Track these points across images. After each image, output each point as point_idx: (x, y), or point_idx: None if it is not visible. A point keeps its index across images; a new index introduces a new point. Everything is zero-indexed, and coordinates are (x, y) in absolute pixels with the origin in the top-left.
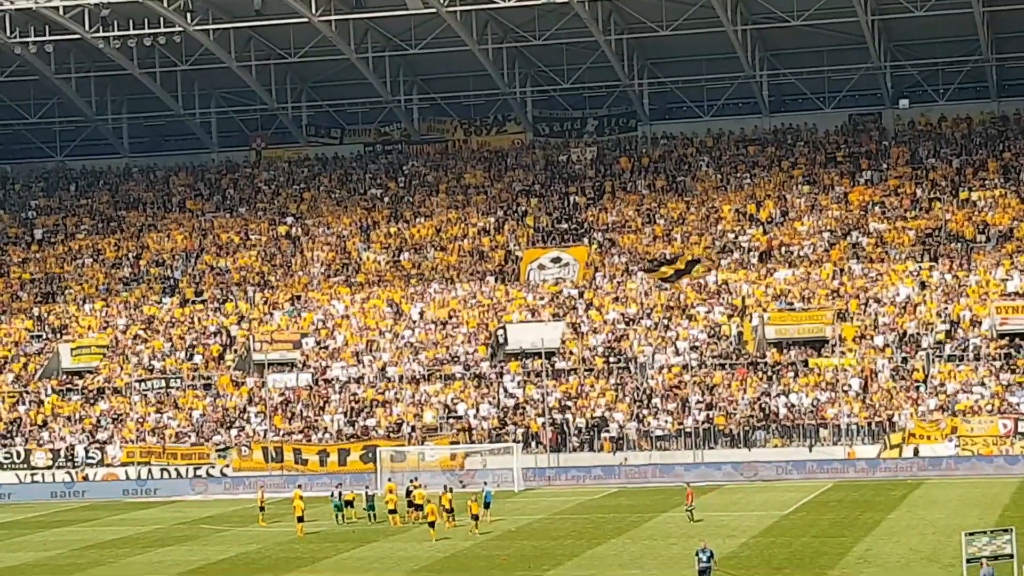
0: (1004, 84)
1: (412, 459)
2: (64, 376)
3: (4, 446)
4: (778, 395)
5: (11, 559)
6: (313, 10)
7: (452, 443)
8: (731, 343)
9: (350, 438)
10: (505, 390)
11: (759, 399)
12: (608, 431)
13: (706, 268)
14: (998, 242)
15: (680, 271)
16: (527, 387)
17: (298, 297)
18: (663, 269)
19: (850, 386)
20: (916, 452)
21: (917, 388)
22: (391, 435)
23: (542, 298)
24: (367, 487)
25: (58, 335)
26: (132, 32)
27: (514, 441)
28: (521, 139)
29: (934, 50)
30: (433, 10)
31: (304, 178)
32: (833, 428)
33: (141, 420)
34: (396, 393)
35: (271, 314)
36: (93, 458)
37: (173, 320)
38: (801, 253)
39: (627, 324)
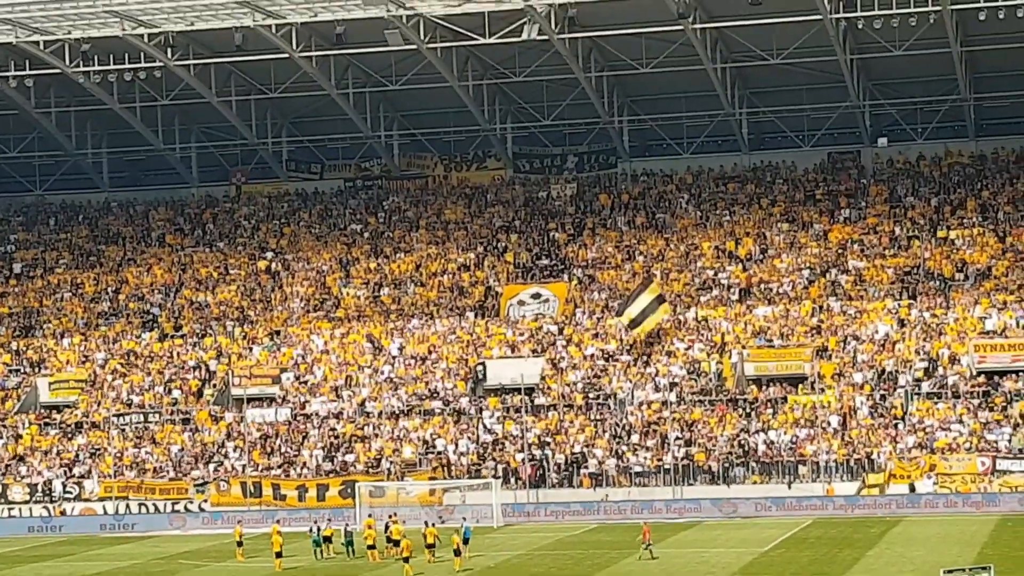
0: (982, 123)
1: (391, 494)
2: (42, 410)
3: None
4: (757, 432)
5: None
6: (294, 46)
7: (431, 479)
8: (710, 380)
9: (329, 473)
10: (484, 426)
11: (738, 436)
12: (587, 467)
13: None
14: (976, 280)
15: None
16: (506, 423)
17: (277, 332)
18: (628, 312)
19: (829, 423)
20: (912, 489)
21: (895, 425)
22: (370, 470)
23: (522, 334)
24: (346, 523)
25: (36, 369)
26: (113, 67)
27: (493, 477)
28: (501, 175)
29: (913, 89)
30: (414, 47)
31: (284, 213)
32: (812, 465)
33: (119, 455)
34: (375, 428)
35: (250, 349)
36: (71, 492)
37: (152, 355)
38: (780, 290)
39: (606, 360)
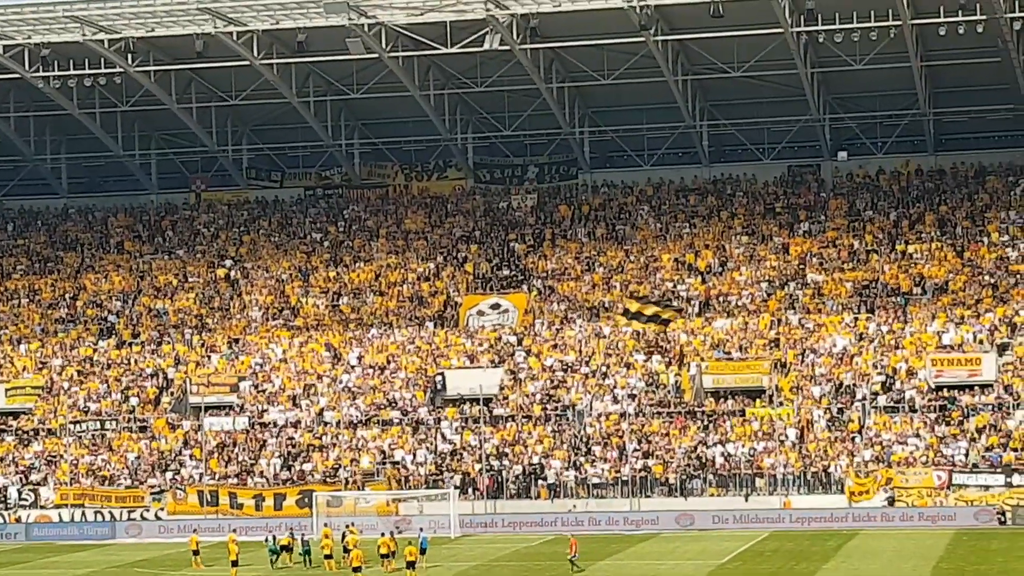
0: (941, 138)
1: (349, 504)
2: None
3: None
4: (715, 444)
5: None
6: (255, 53)
7: (389, 489)
8: (669, 392)
9: (286, 482)
10: (443, 436)
11: (696, 448)
12: (545, 478)
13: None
14: (934, 295)
15: (658, 316)
16: (465, 433)
17: (236, 340)
18: (645, 307)
19: (786, 436)
20: (891, 502)
21: (852, 439)
22: (328, 480)
23: (481, 344)
24: (302, 532)
25: None
26: (72, 72)
27: (452, 487)
28: (462, 185)
29: (873, 103)
30: (375, 55)
31: (244, 221)
32: (769, 478)
33: (75, 462)
34: (333, 438)
35: (208, 357)
36: (26, 500)
37: (109, 362)
38: (739, 303)
39: (565, 371)
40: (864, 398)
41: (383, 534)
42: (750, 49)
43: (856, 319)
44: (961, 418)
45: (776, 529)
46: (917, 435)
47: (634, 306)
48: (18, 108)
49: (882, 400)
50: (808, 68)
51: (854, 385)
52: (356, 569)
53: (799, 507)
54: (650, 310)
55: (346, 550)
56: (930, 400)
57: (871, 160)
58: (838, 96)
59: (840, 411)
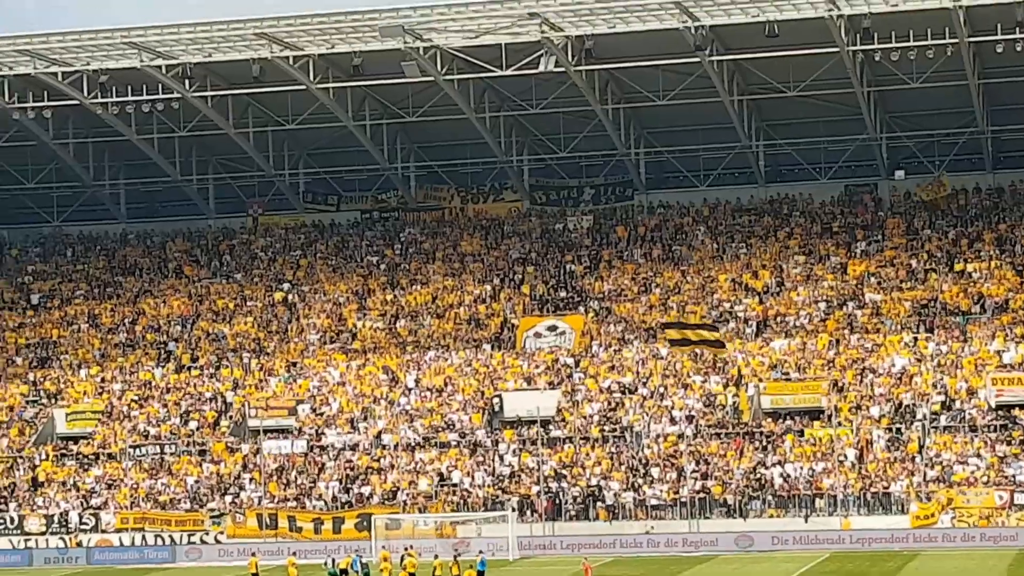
0: (999, 156)
1: (407, 527)
2: (59, 441)
3: None
4: (774, 465)
5: None
6: (311, 77)
7: (447, 511)
8: (727, 412)
9: (345, 505)
10: (500, 458)
11: (755, 468)
12: (603, 500)
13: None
14: (993, 313)
15: (697, 340)
16: (522, 455)
17: (294, 363)
18: (683, 331)
19: (846, 456)
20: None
21: (912, 459)
22: (386, 502)
23: (538, 366)
24: (360, 555)
25: (53, 400)
26: (131, 98)
27: (510, 509)
28: (518, 207)
29: (930, 121)
30: (431, 79)
31: (301, 245)
32: (829, 498)
33: (135, 486)
34: (391, 460)
35: (267, 380)
36: (87, 524)
37: (168, 386)
38: (797, 323)
39: (623, 393)
40: (924, 418)
41: (436, 556)
42: (806, 68)
43: (915, 338)
44: (1022, 437)
45: (836, 550)
46: (978, 455)
47: (675, 333)
48: (77, 134)
49: (942, 420)
50: (864, 87)
51: (914, 405)
52: None
53: (859, 528)
54: (696, 335)
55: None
56: (991, 419)
57: (929, 179)
58: (895, 114)
59: (899, 431)
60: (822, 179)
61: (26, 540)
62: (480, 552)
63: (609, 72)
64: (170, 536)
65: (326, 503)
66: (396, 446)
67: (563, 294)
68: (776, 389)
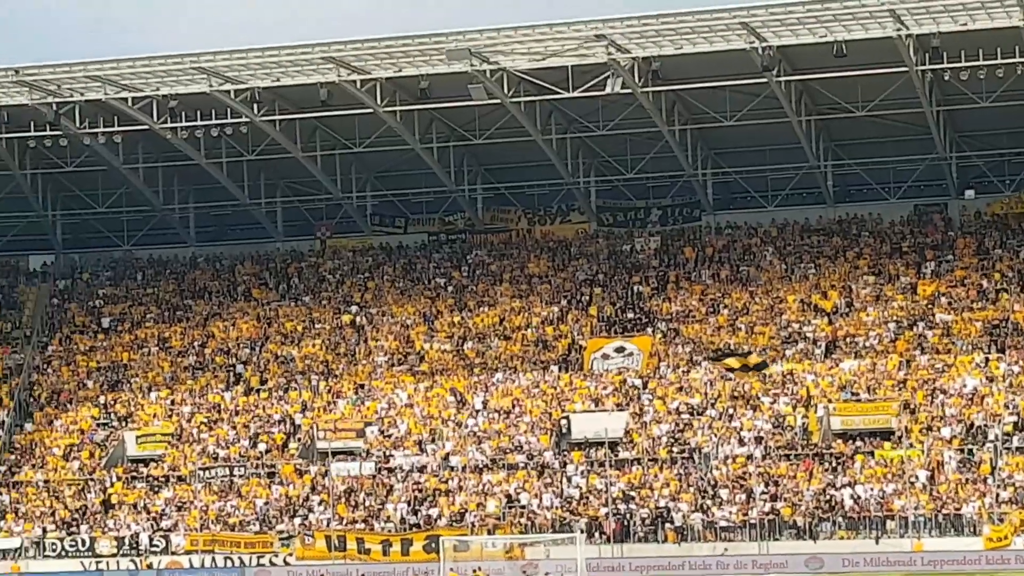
0: None
1: (475, 549)
2: (129, 464)
3: (69, 534)
4: (844, 486)
5: None
6: (378, 101)
7: (515, 533)
8: (796, 434)
9: (413, 527)
10: (568, 480)
11: (824, 490)
12: (672, 521)
13: (769, 367)
14: None
15: (747, 367)
16: (590, 477)
17: (362, 386)
18: (729, 361)
19: (917, 477)
20: None
21: (985, 480)
22: (454, 524)
23: (605, 388)
24: None
25: (124, 423)
26: (199, 123)
27: (578, 531)
28: (585, 229)
29: (1000, 140)
30: (497, 101)
31: (368, 267)
32: (900, 520)
33: (205, 508)
34: (459, 482)
35: (335, 402)
36: (157, 546)
37: (237, 408)
38: (866, 344)
39: (691, 414)
40: (996, 438)
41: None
42: (874, 88)
43: (987, 359)
44: None
45: (908, 572)
46: None
47: (728, 363)
48: (147, 159)
49: (1015, 440)
50: (934, 106)
51: (985, 426)
52: None
53: (931, 550)
54: (739, 363)
55: None
56: None
57: (999, 198)
58: (964, 134)
59: (971, 452)
60: (891, 199)
61: (97, 562)
62: (547, 574)
63: (676, 93)
64: (239, 558)
65: (394, 525)
66: (464, 468)
67: (631, 315)
68: (846, 410)
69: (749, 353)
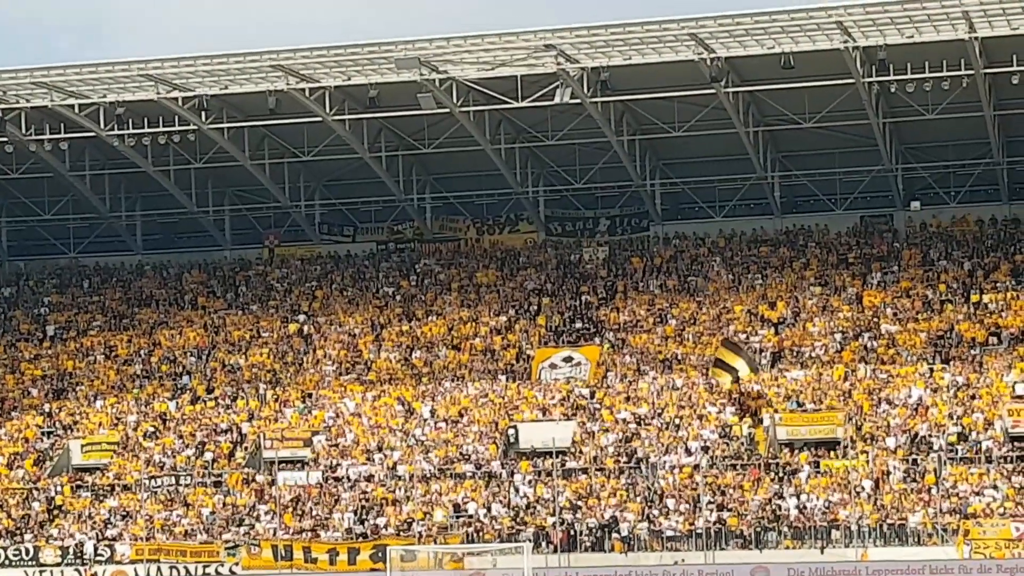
0: (1016, 187)
1: (422, 559)
2: (74, 472)
3: (13, 543)
4: (790, 496)
5: None
6: (327, 109)
7: (462, 542)
8: (742, 444)
9: (360, 536)
10: (516, 489)
11: (771, 500)
12: (619, 531)
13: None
14: (1010, 345)
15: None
16: (538, 486)
17: (309, 395)
18: (720, 371)
19: (862, 487)
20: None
21: (929, 490)
22: (401, 533)
23: (553, 397)
24: None
25: (69, 431)
26: (147, 130)
27: (526, 540)
28: (533, 238)
29: (946, 153)
30: (447, 110)
31: (316, 276)
32: (845, 530)
33: (151, 517)
34: (406, 491)
35: (282, 411)
36: (102, 555)
37: (184, 417)
38: (812, 354)
39: (638, 424)
40: (940, 449)
41: None
42: (821, 100)
43: (931, 370)
44: None
45: None
46: (995, 486)
47: (727, 356)
48: (93, 166)
49: (959, 451)
50: (880, 118)
51: (930, 436)
52: None
53: (876, 559)
54: (738, 361)
55: None
56: (1007, 451)
57: (944, 209)
58: (910, 146)
59: (915, 462)
60: (838, 210)
61: (40, 571)
62: None
63: (625, 104)
64: (185, 568)
65: (341, 534)
66: (411, 477)
67: (579, 325)
68: (792, 420)
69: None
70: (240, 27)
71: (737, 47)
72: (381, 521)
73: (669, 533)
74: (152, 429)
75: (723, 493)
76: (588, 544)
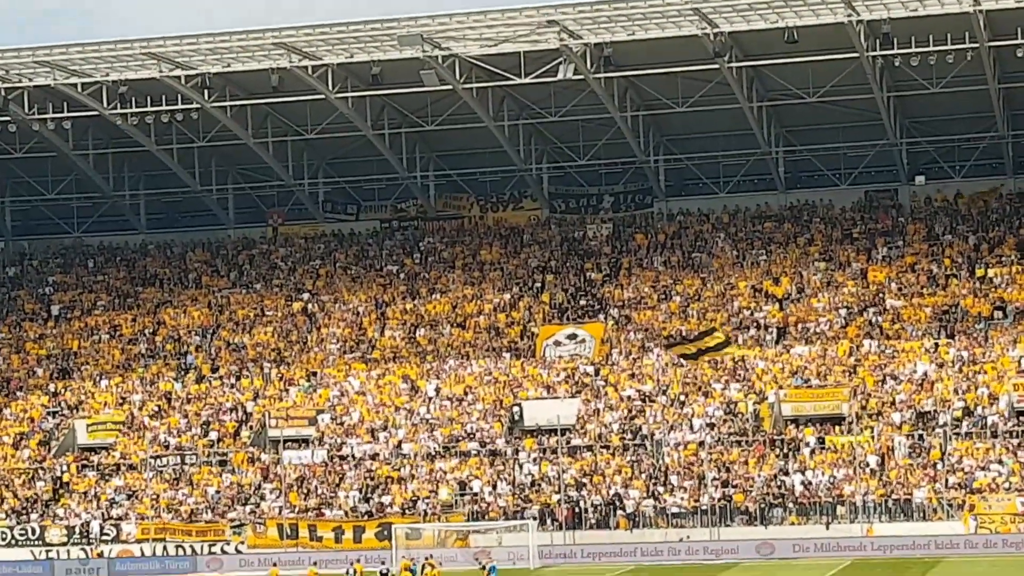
0: (1020, 160)
1: (427, 536)
2: (80, 452)
3: (19, 522)
4: (795, 472)
5: None
6: (330, 87)
7: (467, 520)
8: (747, 420)
9: (365, 515)
10: (520, 467)
11: (776, 476)
12: (624, 508)
13: (735, 348)
14: (1015, 319)
15: (704, 349)
16: (543, 464)
17: (314, 373)
18: (681, 347)
19: (867, 463)
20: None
21: (935, 466)
22: (406, 512)
23: (558, 374)
24: (383, 563)
25: (74, 411)
26: (150, 109)
27: (531, 518)
28: (537, 215)
29: (950, 127)
30: (449, 87)
31: (320, 254)
32: (850, 505)
33: (156, 497)
34: (411, 470)
35: (287, 390)
36: (108, 535)
37: (189, 396)
38: (817, 330)
39: (643, 401)
40: (945, 424)
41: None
42: (825, 74)
43: (936, 344)
44: None
45: (858, 557)
46: (1000, 461)
47: (680, 350)
48: (97, 145)
49: (964, 426)
50: (884, 92)
51: (935, 411)
52: None
53: (881, 535)
54: (692, 348)
55: None
56: (1012, 425)
57: (949, 184)
58: (915, 120)
59: (921, 437)
60: (842, 185)
61: (47, 551)
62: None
63: (628, 79)
64: (191, 546)
65: (346, 513)
66: (416, 455)
67: (583, 302)
68: (796, 396)
69: (707, 334)
70: (242, 5)
71: (740, 21)
72: (386, 499)
73: (674, 510)
74: (157, 408)
75: (728, 470)
76: (593, 521)
